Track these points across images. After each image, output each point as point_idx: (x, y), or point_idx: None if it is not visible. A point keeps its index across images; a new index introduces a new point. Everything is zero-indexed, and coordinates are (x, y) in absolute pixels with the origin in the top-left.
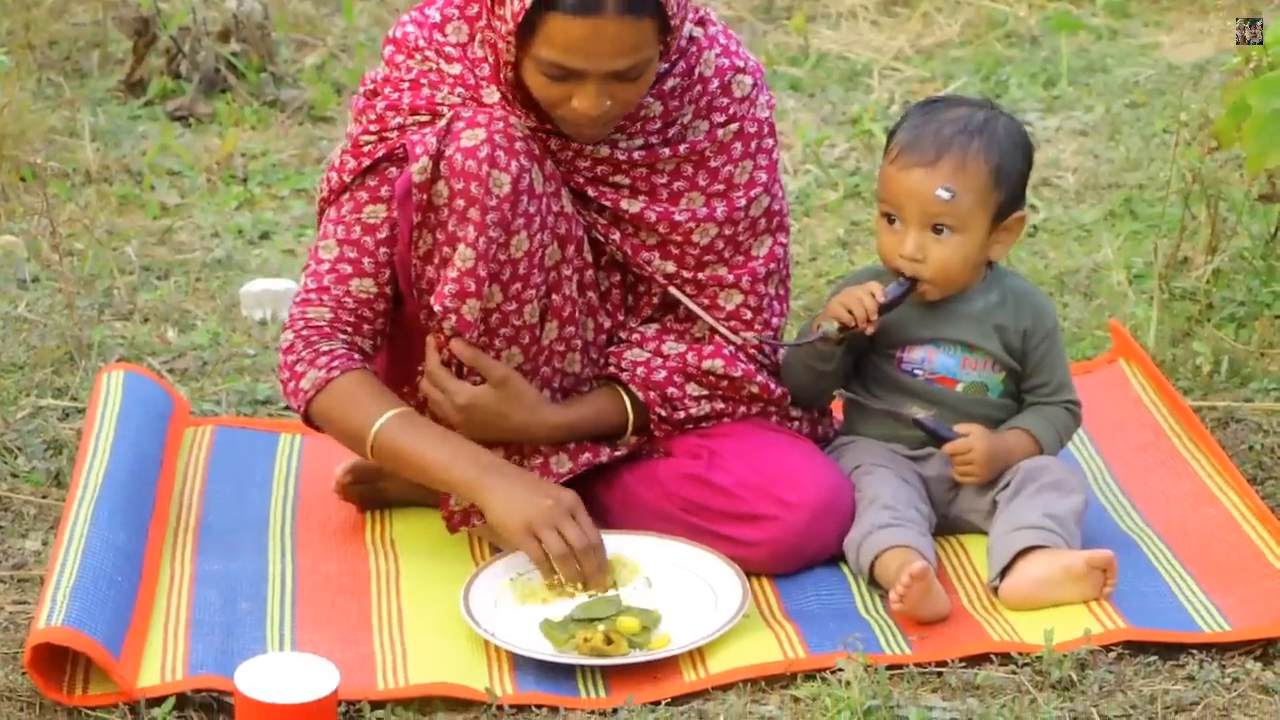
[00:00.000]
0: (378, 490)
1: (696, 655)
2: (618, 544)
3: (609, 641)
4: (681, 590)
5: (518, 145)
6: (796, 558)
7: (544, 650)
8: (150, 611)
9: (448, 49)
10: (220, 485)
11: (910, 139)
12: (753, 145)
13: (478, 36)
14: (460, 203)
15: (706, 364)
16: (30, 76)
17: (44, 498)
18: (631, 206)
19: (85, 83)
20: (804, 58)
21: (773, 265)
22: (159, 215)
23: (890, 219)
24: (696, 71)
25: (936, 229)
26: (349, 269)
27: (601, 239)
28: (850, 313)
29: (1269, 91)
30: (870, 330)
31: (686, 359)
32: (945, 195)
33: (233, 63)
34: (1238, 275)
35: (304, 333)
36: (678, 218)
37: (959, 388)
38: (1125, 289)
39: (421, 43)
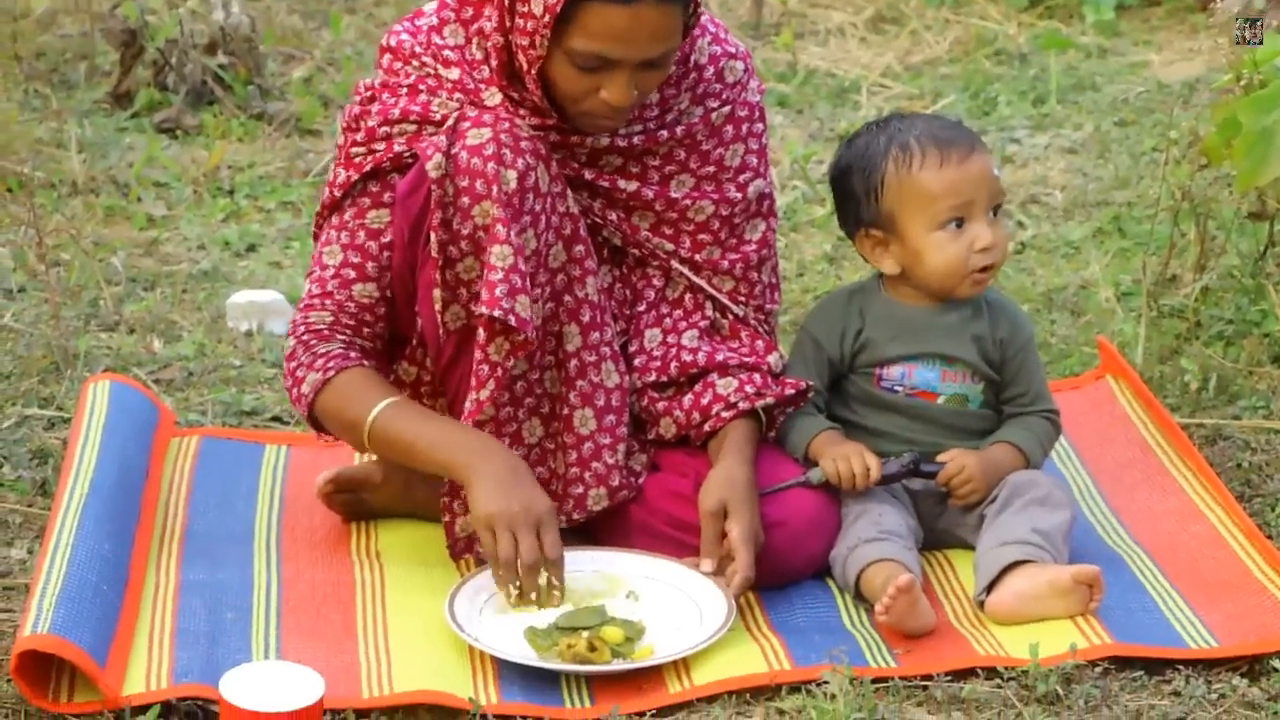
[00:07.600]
0: (361, 501)
1: (681, 667)
2: (602, 559)
3: (592, 649)
4: (666, 604)
5: (523, 144)
6: (782, 573)
7: (527, 655)
8: (135, 620)
9: (445, 53)
10: (205, 495)
11: (945, 138)
12: (744, 129)
13: (474, 40)
14: (465, 200)
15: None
16: (17, 88)
17: (29, 506)
18: (628, 186)
19: (72, 94)
20: (792, 74)
21: (764, 251)
22: (145, 227)
23: (957, 223)
24: (692, 60)
25: (996, 210)
26: (352, 274)
27: (599, 220)
28: (845, 472)
29: (1259, 109)
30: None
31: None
32: (998, 172)
33: (220, 75)
34: (1226, 293)
35: (304, 337)
36: (674, 194)
37: (940, 400)
38: (1113, 306)
39: (418, 49)
